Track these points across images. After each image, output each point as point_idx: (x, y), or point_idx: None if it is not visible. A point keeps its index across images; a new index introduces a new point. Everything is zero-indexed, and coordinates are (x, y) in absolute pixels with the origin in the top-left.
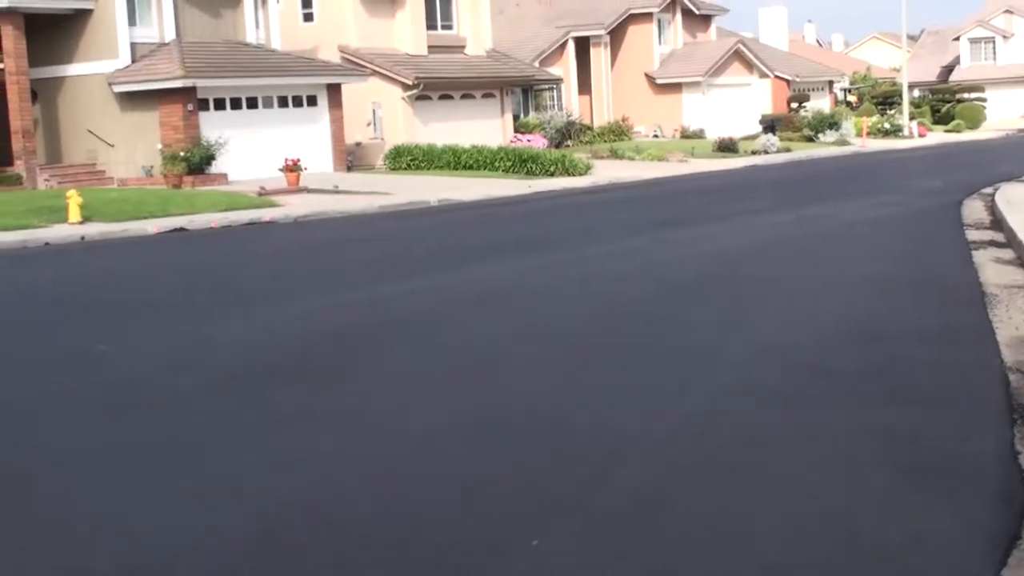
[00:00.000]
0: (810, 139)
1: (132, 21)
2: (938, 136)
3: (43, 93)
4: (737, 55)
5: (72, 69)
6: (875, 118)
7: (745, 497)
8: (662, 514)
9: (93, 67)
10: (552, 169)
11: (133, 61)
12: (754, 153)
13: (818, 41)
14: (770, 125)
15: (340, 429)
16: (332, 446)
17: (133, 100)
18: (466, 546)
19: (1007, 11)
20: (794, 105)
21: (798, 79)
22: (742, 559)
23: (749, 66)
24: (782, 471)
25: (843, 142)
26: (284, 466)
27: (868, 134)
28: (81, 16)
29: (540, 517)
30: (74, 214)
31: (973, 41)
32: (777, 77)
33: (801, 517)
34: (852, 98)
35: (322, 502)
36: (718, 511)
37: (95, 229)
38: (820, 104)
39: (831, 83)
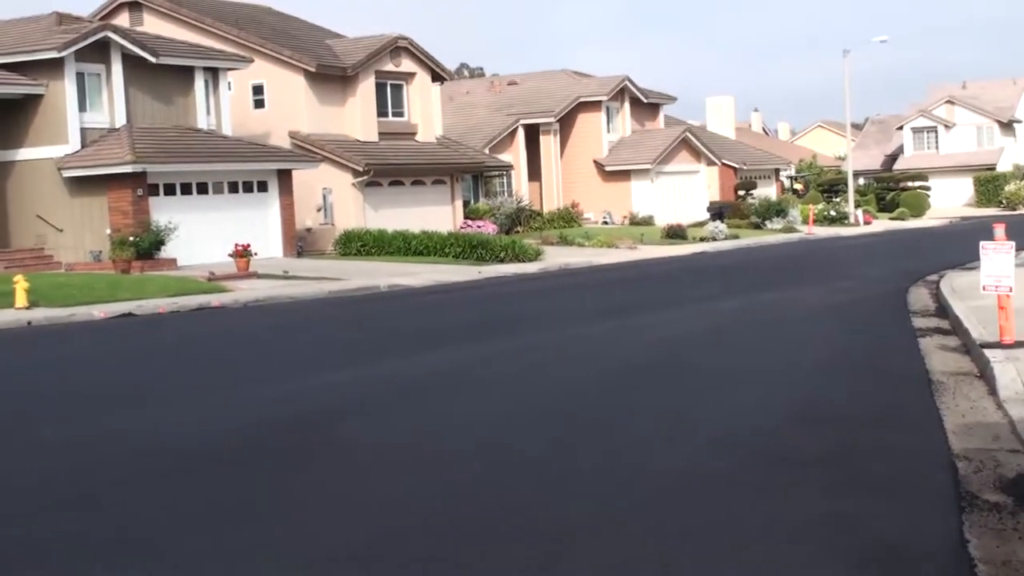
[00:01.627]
0: (758, 226)
1: (83, 107)
2: (883, 223)
3: None
4: (685, 143)
5: (21, 153)
6: (821, 206)
7: None
8: None
9: (43, 152)
10: (502, 255)
11: (83, 146)
12: (703, 240)
13: (764, 129)
14: (718, 212)
15: (282, 522)
16: (272, 539)
17: (82, 185)
18: None
19: (948, 101)
20: (741, 192)
21: (745, 167)
22: None
23: (697, 154)
24: (730, 561)
25: (790, 229)
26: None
27: (815, 221)
28: (31, 101)
29: None
30: (20, 299)
31: (916, 130)
32: (724, 164)
33: None
34: (798, 186)
35: None
36: None
37: (42, 314)
38: (767, 191)
39: (777, 171)
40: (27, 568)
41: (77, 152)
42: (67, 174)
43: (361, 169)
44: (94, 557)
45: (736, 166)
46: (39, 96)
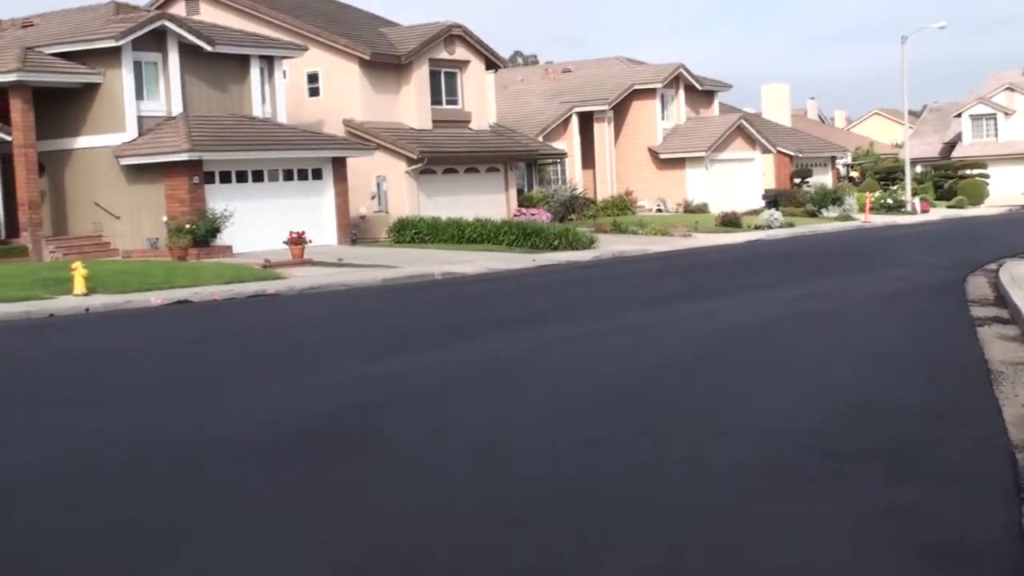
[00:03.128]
0: (813, 214)
1: (140, 95)
2: (941, 212)
3: (50, 165)
4: (740, 131)
5: (79, 142)
6: (878, 194)
7: None
8: None
9: (100, 140)
10: (556, 243)
11: (140, 134)
12: (757, 228)
13: (820, 117)
14: (773, 200)
15: (337, 513)
16: (326, 532)
17: (139, 173)
18: None
19: (1008, 88)
20: (797, 180)
21: (801, 154)
22: None
23: (752, 141)
24: (791, 553)
25: (846, 217)
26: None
27: (871, 210)
28: (89, 90)
29: None
30: (79, 286)
31: (975, 118)
32: (780, 152)
33: None
34: (855, 174)
35: None
36: None
37: (100, 301)
38: (823, 179)
39: (833, 159)
40: (83, 554)
41: (134, 140)
42: (124, 162)
43: (415, 157)
44: (149, 545)
45: (791, 154)
46: (97, 85)
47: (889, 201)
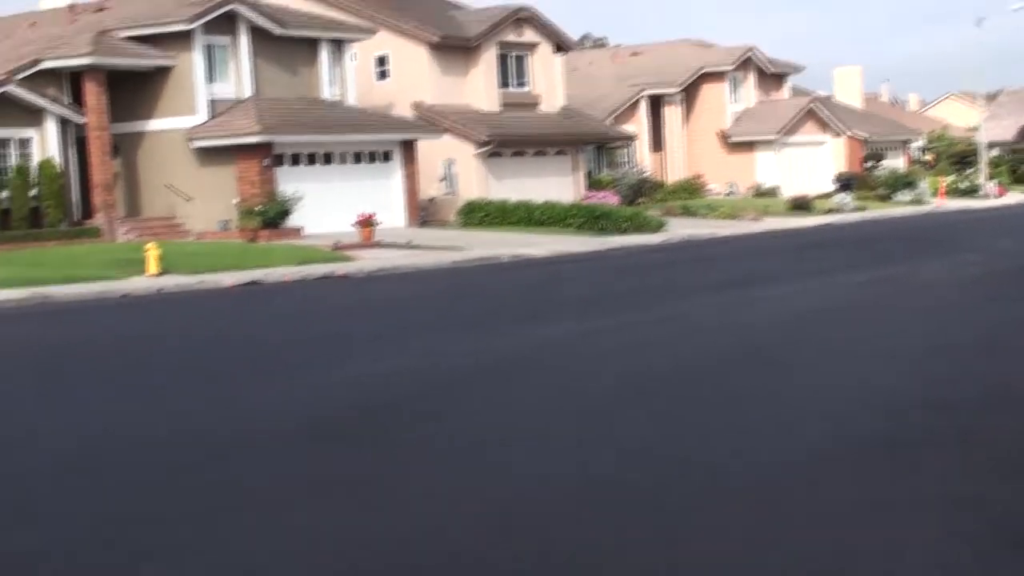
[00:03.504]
0: (885, 198)
1: (211, 78)
2: (1017, 196)
3: (124, 148)
4: (811, 114)
5: (152, 124)
6: (952, 177)
7: (835, 564)
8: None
9: (172, 123)
10: (624, 226)
11: (211, 117)
12: (829, 212)
13: (893, 100)
14: (845, 184)
15: (399, 494)
16: (376, 514)
17: (211, 155)
18: None
19: None
20: (869, 164)
21: (873, 138)
22: None
23: (823, 125)
24: (855, 541)
25: (919, 201)
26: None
27: (945, 194)
28: (161, 73)
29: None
30: (152, 266)
31: None
32: (851, 136)
33: None
34: (928, 157)
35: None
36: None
37: (172, 281)
38: (895, 163)
39: (906, 142)
40: (177, 522)
41: (205, 123)
42: (196, 144)
43: (483, 140)
44: (223, 513)
45: (864, 137)
46: (169, 68)
47: (963, 185)
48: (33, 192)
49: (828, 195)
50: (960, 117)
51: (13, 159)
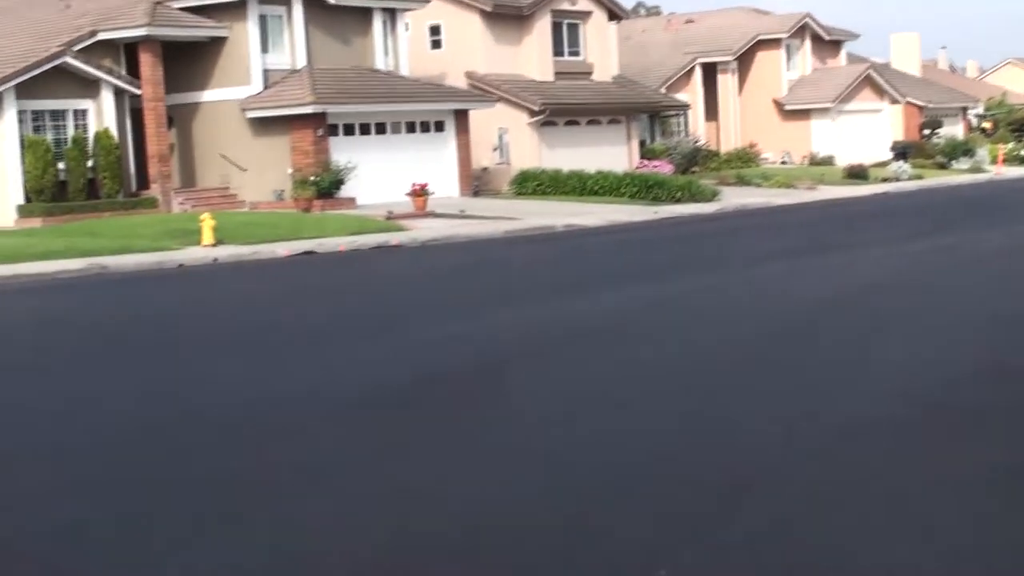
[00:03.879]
0: (943, 166)
1: (265, 48)
2: None
3: (178, 119)
4: (868, 81)
5: (206, 95)
6: (1011, 145)
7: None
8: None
9: (227, 93)
10: (678, 195)
11: (265, 87)
12: (885, 180)
13: (951, 67)
14: (902, 152)
15: (459, 460)
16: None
17: (265, 125)
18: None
19: None
20: (926, 131)
21: (930, 105)
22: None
23: (880, 92)
24: (909, 508)
25: (977, 169)
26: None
27: (1004, 161)
28: (215, 44)
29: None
30: (207, 237)
31: None
32: (909, 103)
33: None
34: (987, 125)
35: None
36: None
37: (227, 252)
38: (953, 131)
39: (965, 109)
40: (241, 491)
41: (260, 93)
42: (250, 115)
43: (537, 109)
44: (272, 484)
45: (921, 105)
46: (223, 39)
47: (1023, 153)
48: (89, 163)
49: (884, 163)
50: (1020, 83)
51: (70, 130)
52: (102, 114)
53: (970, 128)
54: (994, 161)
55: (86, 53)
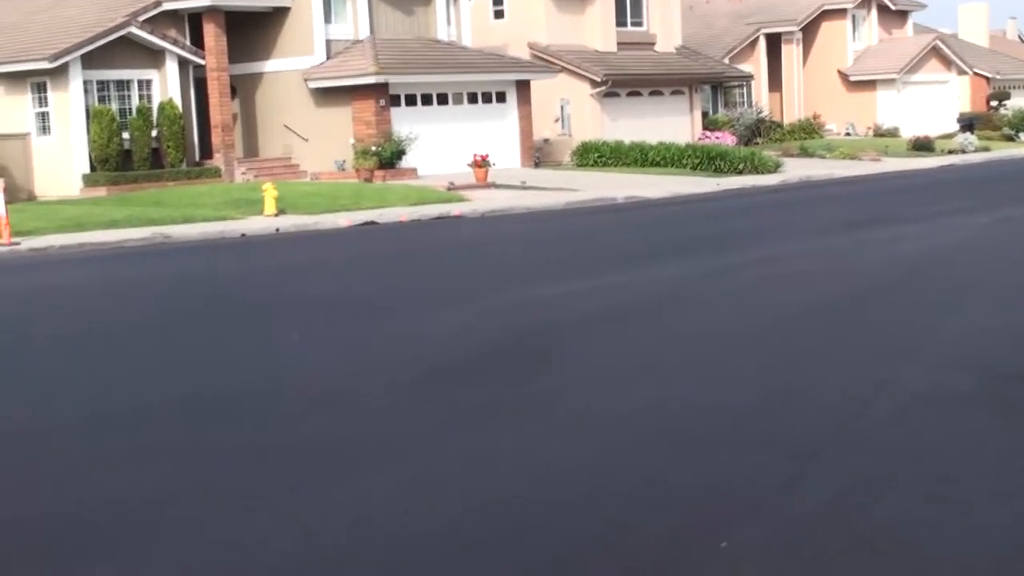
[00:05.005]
0: (1010, 138)
1: (328, 19)
2: None
3: (241, 89)
4: (934, 52)
5: (269, 65)
6: None
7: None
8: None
9: (289, 63)
10: (741, 167)
11: (328, 58)
12: (951, 152)
13: (1020, 37)
14: (968, 124)
15: (541, 422)
16: (522, 440)
17: (327, 96)
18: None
19: None
20: (993, 103)
21: (998, 76)
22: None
23: (947, 63)
24: (966, 478)
25: None
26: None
27: None
28: (279, 14)
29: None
30: (270, 207)
31: None
32: (976, 74)
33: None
34: None
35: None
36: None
37: (289, 222)
38: (1021, 102)
39: None
40: (293, 461)
41: (322, 64)
42: (313, 85)
43: (599, 80)
44: (349, 455)
45: (988, 76)
46: (286, 8)
47: None
48: (153, 133)
49: (951, 135)
50: None
51: (135, 100)
52: (166, 84)
53: None
54: None
55: (151, 23)
